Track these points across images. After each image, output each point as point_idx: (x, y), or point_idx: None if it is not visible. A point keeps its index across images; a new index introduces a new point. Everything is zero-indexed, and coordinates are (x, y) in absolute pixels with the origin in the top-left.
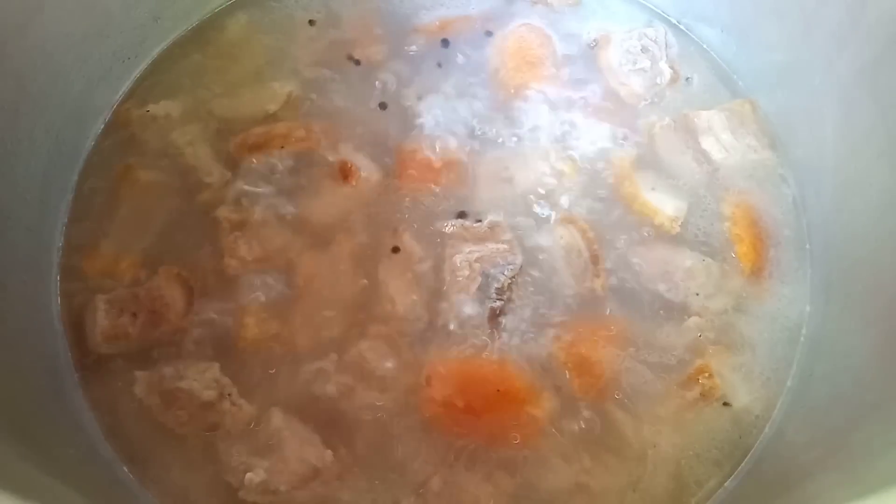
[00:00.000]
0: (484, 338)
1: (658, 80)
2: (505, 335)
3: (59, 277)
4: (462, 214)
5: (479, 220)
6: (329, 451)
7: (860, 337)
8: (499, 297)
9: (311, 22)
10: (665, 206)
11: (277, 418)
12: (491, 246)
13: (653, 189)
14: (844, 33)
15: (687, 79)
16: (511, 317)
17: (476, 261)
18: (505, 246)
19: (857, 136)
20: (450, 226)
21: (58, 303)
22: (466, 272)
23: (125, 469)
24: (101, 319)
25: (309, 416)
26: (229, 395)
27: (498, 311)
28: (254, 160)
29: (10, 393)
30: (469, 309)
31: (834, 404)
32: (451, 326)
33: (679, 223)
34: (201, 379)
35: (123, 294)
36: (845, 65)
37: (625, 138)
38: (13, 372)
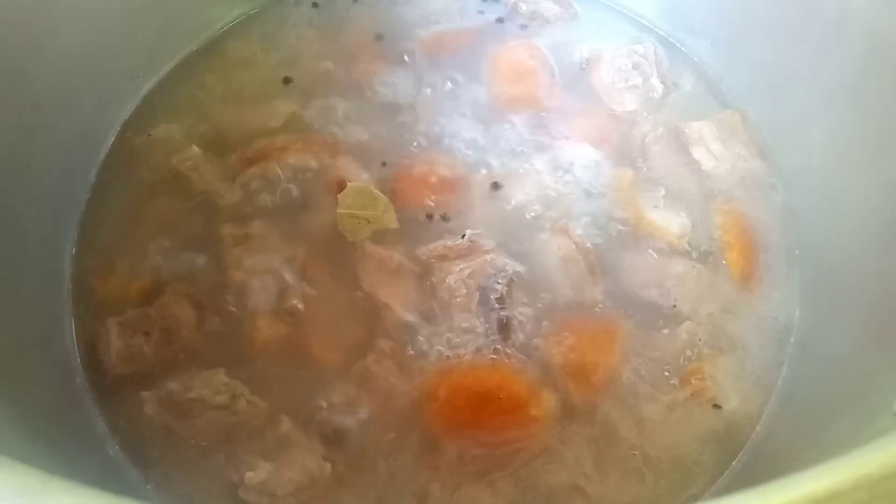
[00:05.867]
0: (494, 346)
1: (651, 95)
2: (509, 344)
3: (70, 294)
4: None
5: (463, 236)
6: (328, 465)
7: (844, 339)
8: (501, 306)
9: (314, 40)
10: (670, 224)
11: (286, 424)
12: (478, 258)
13: (655, 207)
14: (828, 46)
15: (677, 91)
16: (514, 326)
17: (469, 276)
18: (491, 255)
19: (842, 146)
20: (431, 247)
21: (71, 322)
22: (464, 290)
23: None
24: (115, 340)
25: (313, 423)
26: (241, 394)
27: (505, 320)
28: (255, 175)
29: (30, 400)
30: (477, 323)
31: (816, 405)
32: (461, 341)
33: (686, 240)
34: (209, 385)
35: (134, 315)
36: (829, 76)
37: (621, 155)
38: (31, 379)
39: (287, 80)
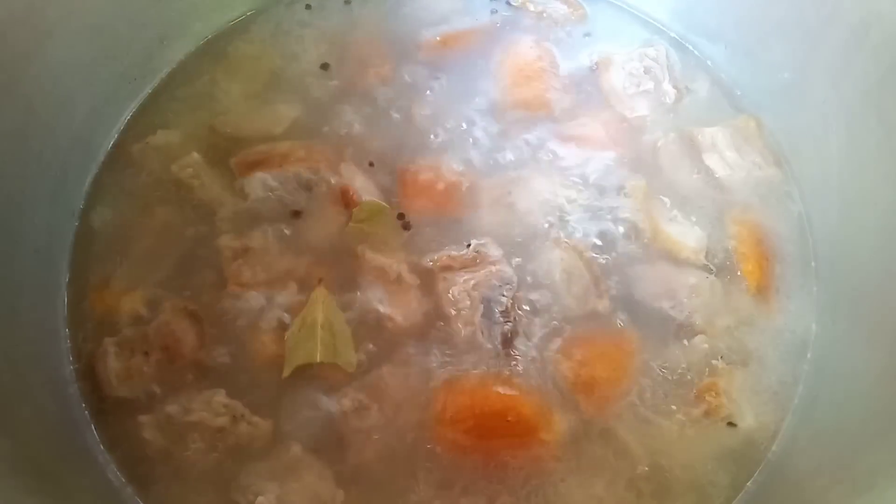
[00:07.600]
0: (500, 362)
1: (664, 100)
2: (516, 359)
3: (66, 307)
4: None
5: (468, 245)
6: (341, 492)
7: (867, 360)
8: (506, 319)
9: (314, 43)
10: (687, 238)
11: (297, 448)
12: (483, 270)
13: (671, 220)
14: (850, 54)
15: (690, 96)
16: (519, 340)
17: (473, 288)
18: (497, 266)
19: (863, 156)
20: (436, 257)
21: (67, 339)
22: (467, 302)
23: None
24: (113, 362)
25: (322, 442)
26: (242, 415)
27: (509, 334)
28: (255, 181)
29: (21, 425)
30: (480, 337)
31: (840, 430)
32: (465, 356)
33: (703, 254)
34: (209, 408)
35: (132, 334)
36: (851, 85)
37: (632, 161)
38: (27, 401)
39: (292, 82)
